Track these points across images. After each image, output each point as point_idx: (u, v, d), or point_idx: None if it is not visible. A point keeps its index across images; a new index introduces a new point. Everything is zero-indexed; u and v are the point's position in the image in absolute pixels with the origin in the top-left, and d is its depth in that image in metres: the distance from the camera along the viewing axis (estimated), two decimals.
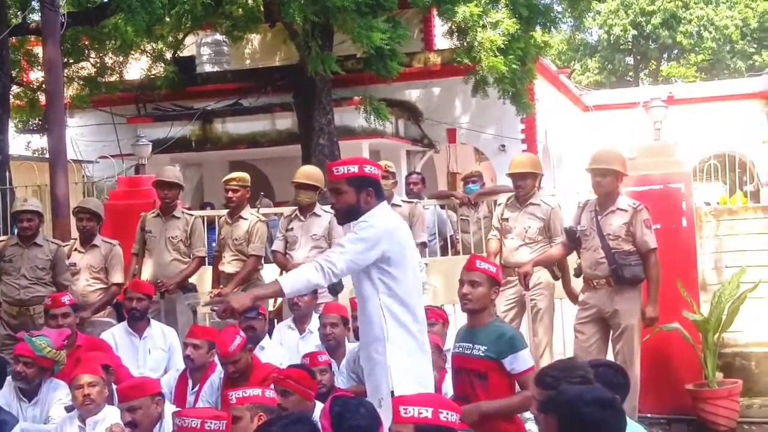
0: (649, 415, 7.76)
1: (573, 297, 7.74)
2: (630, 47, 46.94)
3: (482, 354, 4.95)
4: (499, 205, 8.34)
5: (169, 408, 5.29)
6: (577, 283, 7.52)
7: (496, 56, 14.51)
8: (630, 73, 48.13)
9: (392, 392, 4.56)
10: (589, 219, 7.21)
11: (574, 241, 7.32)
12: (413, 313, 4.71)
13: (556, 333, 8.10)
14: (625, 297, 7.05)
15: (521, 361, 4.91)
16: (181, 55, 19.22)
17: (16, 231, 8.15)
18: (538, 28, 16.59)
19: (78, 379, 5.53)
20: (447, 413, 3.71)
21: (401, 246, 4.71)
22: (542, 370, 4.40)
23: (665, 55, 47.95)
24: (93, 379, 5.47)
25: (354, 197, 4.73)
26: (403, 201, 8.66)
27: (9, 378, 6.27)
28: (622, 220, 7.05)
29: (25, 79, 17.88)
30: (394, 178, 8.73)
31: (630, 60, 48.33)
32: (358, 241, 4.60)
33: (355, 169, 4.73)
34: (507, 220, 8.00)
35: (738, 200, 11.75)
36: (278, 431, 3.65)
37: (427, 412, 3.67)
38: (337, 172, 4.74)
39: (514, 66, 14.89)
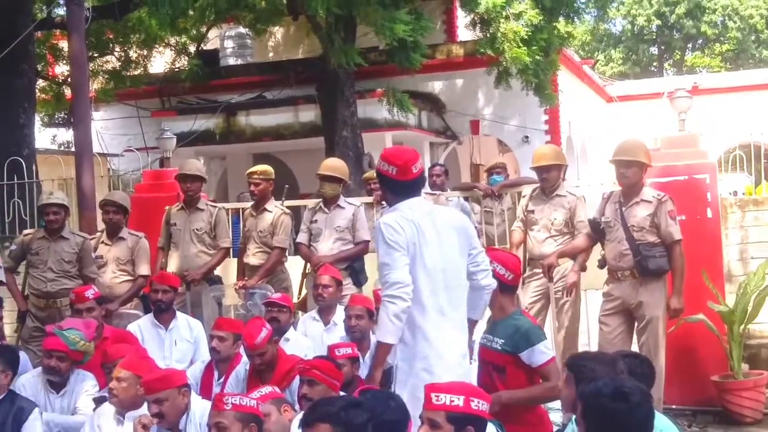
0: (674, 407, 7.74)
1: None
2: (654, 37, 46.66)
3: (499, 347, 4.97)
4: (524, 197, 8.33)
5: (195, 399, 5.32)
6: (601, 275, 7.50)
7: (519, 47, 14.47)
8: (654, 64, 47.84)
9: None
10: (613, 210, 7.19)
11: (598, 232, 7.31)
12: (423, 313, 4.60)
13: (581, 325, 8.09)
14: (649, 288, 7.04)
15: (539, 354, 4.90)
16: (204, 48, 19.31)
17: (43, 224, 8.21)
18: (561, 18, 16.54)
19: (113, 370, 5.52)
20: (478, 402, 3.72)
21: (415, 246, 4.59)
22: (575, 356, 4.41)
23: (690, 45, 47.62)
24: (123, 374, 5.39)
25: (382, 190, 4.94)
26: (426, 193, 8.65)
27: (36, 369, 6.35)
28: (647, 212, 7.03)
29: (50, 73, 18.00)
30: None
31: (654, 50, 48.02)
32: (387, 247, 4.53)
33: (379, 165, 4.80)
34: (532, 212, 7.99)
35: (764, 190, 11.64)
36: (339, 413, 3.62)
37: (458, 400, 3.68)
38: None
39: (538, 57, 14.86)
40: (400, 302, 4.44)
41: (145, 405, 5.17)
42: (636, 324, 7.15)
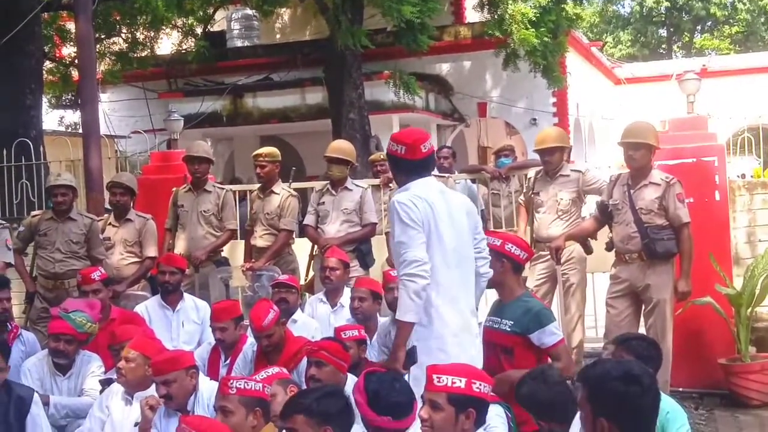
0: (681, 389, 7.75)
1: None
2: (663, 19, 46.40)
3: (509, 329, 4.98)
4: (529, 179, 8.32)
5: (204, 380, 5.33)
6: (609, 258, 7.48)
7: (527, 29, 14.43)
8: (663, 46, 47.59)
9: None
10: (621, 193, 7.17)
11: (606, 215, 7.29)
12: (438, 291, 4.60)
13: (587, 307, 8.09)
14: (657, 271, 7.02)
15: (549, 335, 4.93)
16: (211, 29, 19.27)
17: (50, 205, 8.22)
18: (569, 0, 16.47)
19: (123, 350, 5.52)
20: (480, 384, 3.72)
21: (429, 223, 4.60)
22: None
23: (699, 27, 47.37)
24: (132, 355, 5.39)
25: (393, 171, 4.94)
26: (434, 176, 8.62)
27: (41, 352, 6.36)
28: (655, 194, 7.00)
29: (57, 55, 17.98)
30: None
31: (663, 32, 47.77)
32: (404, 225, 4.54)
33: (389, 146, 4.78)
34: (538, 194, 7.97)
35: None
36: (312, 404, 3.65)
37: (460, 382, 3.69)
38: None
39: (546, 39, 14.82)
40: (420, 280, 4.45)
41: (153, 386, 5.19)
42: (643, 307, 7.15)
